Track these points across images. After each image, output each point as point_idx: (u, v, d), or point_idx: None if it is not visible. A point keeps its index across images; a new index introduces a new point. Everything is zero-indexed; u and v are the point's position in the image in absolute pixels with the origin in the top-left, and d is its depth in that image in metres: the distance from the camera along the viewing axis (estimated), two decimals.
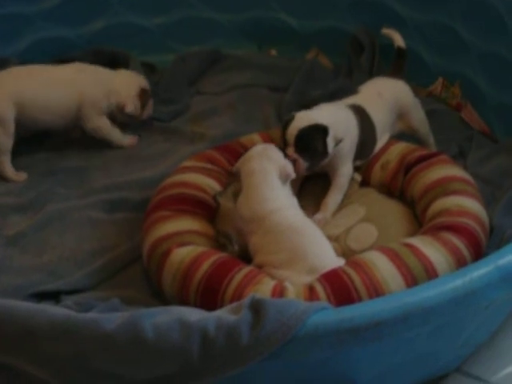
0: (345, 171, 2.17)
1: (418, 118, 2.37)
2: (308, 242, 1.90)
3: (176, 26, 3.03)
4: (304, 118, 2.08)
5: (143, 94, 2.56)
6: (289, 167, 1.99)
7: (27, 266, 2.15)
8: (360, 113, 2.22)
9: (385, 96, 2.29)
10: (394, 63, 2.42)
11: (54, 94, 2.48)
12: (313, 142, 2.06)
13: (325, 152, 2.07)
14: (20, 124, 2.46)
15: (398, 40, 2.43)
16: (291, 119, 2.09)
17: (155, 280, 2.00)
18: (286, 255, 1.88)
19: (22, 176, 2.49)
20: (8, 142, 2.46)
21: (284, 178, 1.99)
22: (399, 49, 2.42)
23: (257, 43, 3.09)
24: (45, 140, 2.62)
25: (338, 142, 2.10)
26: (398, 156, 2.22)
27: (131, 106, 2.53)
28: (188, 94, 2.83)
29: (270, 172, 1.98)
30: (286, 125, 2.10)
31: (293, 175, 2.00)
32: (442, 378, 1.82)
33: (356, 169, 2.23)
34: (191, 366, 1.50)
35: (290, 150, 2.05)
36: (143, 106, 2.57)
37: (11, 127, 2.45)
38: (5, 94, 2.44)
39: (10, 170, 2.48)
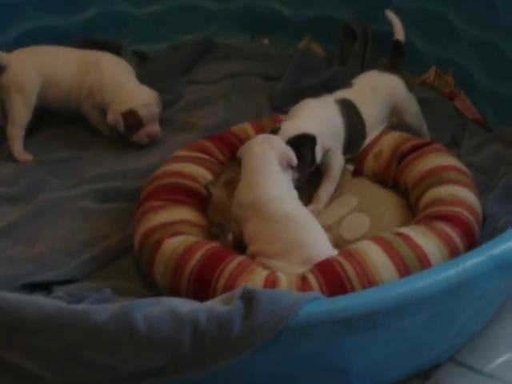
0: (336, 164, 2.16)
1: (412, 112, 2.35)
2: (304, 232, 1.89)
3: (168, 15, 3.03)
4: (291, 129, 2.06)
5: (128, 116, 2.47)
6: (290, 153, 1.98)
7: (19, 256, 2.14)
8: (348, 108, 2.20)
9: (378, 91, 2.27)
10: (392, 58, 2.39)
11: (67, 73, 2.53)
12: (302, 152, 2.04)
13: (313, 161, 2.06)
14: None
15: (399, 32, 2.39)
16: (277, 129, 2.07)
17: (147, 270, 1.99)
18: (281, 245, 1.87)
19: (26, 156, 2.50)
20: (25, 115, 2.50)
21: (285, 164, 1.98)
22: (398, 43, 2.38)
23: (249, 32, 3.08)
24: (36, 130, 2.61)
25: (325, 151, 2.09)
26: (391, 145, 2.22)
27: (110, 118, 2.48)
28: (180, 83, 2.82)
29: (269, 157, 1.98)
30: (272, 133, 2.07)
31: (295, 162, 1.99)
32: (435, 368, 1.81)
33: (348, 159, 2.22)
34: (183, 357, 1.49)
35: None
36: (129, 127, 2.49)
37: (32, 99, 2.50)
38: (32, 66, 2.50)
39: (17, 148, 2.50)
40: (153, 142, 2.52)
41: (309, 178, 2.13)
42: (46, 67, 2.52)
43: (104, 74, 2.52)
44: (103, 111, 2.53)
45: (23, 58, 2.52)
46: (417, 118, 2.37)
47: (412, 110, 2.35)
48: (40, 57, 2.54)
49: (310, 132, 2.05)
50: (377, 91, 2.27)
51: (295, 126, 2.07)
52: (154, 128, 2.51)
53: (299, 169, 2.02)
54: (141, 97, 2.50)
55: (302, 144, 2.04)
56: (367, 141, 2.24)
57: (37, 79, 2.50)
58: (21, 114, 2.49)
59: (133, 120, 2.48)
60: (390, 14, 2.42)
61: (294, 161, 1.99)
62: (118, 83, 2.51)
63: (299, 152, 2.02)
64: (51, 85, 2.52)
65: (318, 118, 2.11)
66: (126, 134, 2.50)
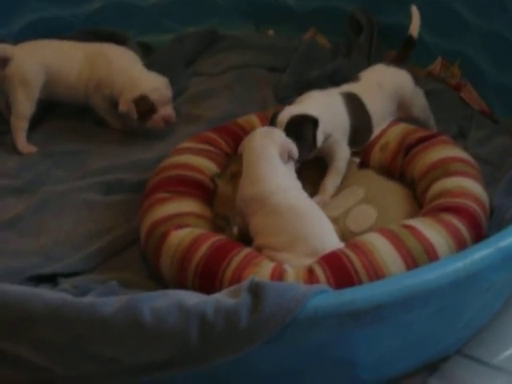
0: (342, 155, 2.15)
1: (419, 106, 2.34)
2: (310, 224, 1.89)
3: (172, 6, 3.01)
4: (293, 111, 2.06)
5: (140, 101, 2.44)
6: (291, 146, 1.98)
7: (24, 249, 2.14)
8: (353, 102, 2.19)
9: (385, 86, 2.26)
10: (401, 51, 2.39)
11: (73, 67, 2.52)
12: (303, 130, 2.03)
13: (314, 144, 2.05)
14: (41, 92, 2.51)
15: (415, 28, 2.37)
16: (280, 111, 2.07)
17: (153, 263, 1.99)
18: (287, 238, 1.87)
19: (29, 149, 2.50)
20: (28, 108, 2.49)
21: (286, 156, 1.97)
22: (410, 38, 2.37)
23: (254, 23, 3.07)
24: (40, 122, 2.61)
25: (326, 136, 2.08)
26: (398, 137, 2.20)
27: (122, 107, 2.45)
28: (185, 75, 2.81)
29: (270, 150, 1.97)
30: (274, 116, 2.08)
31: (296, 154, 1.98)
32: (442, 361, 1.81)
33: (355, 152, 2.21)
34: (190, 350, 1.49)
35: None
36: (142, 114, 2.46)
37: (35, 92, 2.50)
38: (36, 59, 2.49)
39: (21, 140, 2.50)
40: (169, 126, 2.50)
41: (315, 169, 2.13)
42: (50, 61, 2.51)
43: (112, 64, 2.51)
44: (113, 103, 2.51)
45: (27, 51, 2.51)
46: (424, 111, 2.36)
47: (419, 103, 2.34)
48: (44, 50, 2.53)
49: (313, 115, 2.05)
50: (383, 86, 2.26)
51: (298, 109, 2.07)
52: (168, 111, 2.48)
53: (299, 147, 2.01)
54: (150, 81, 2.47)
55: (303, 124, 2.04)
56: (374, 135, 2.23)
57: (40, 72, 2.49)
58: (24, 106, 2.48)
59: (145, 105, 2.45)
60: (414, 10, 2.39)
61: (295, 152, 1.98)
62: (126, 72, 2.49)
63: (300, 131, 2.03)
64: (56, 78, 2.51)
65: (321, 106, 2.11)
66: (141, 121, 2.48)
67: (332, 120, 2.11)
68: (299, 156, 2.01)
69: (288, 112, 2.06)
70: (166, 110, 2.48)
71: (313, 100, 2.14)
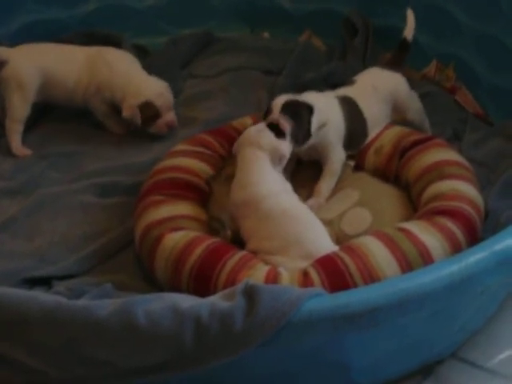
0: (337, 157, 2.15)
1: (414, 109, 2.34)
2: (303, 228, 1.89)
3: (168, 8, 3.01)
4: (290, 96, 2.07)
5: (145, 108, 2.45)
6: (282, 147, 1.97)
7: (18, 251, 2.13)
8: (349, 105, 2.20)
9: (380, 90, 2.26)
10: (395, 54, 2.38)
11: (72, 70, 2.52)
12: (299, 113, 2.03)
13: (308, 130, 2.04)
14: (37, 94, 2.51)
15: (409, 31, 2.37)
16: (276, 97, 2.09)
17: (147, 265, 1.98)
18: (280, 242, 1.87)
19: (24, 151, 2.49)
20: (23, 111, 2.49)
21: (277, 159, 1.97)
22: (405, 41, 2.37)
23: (249, 26, 3.07)
24: (36, 124, 2.60)
25: (321, 126, 2.08)
26: (393, 140, 2.21)
27: (126, 113, 2.46)
28: (180, 77, 2.81)
29: (260, 157, 1.96)
30: (269, 104, 2.08)
31: (287, 155, 1.98)
32: (437, 364, 1.81)
33: (349, 155, 2.20)
34: (184, 353, 1.49)
35: (275, 114, 2.02)
36: (147, 119, 2.47)
37: (31, 95, 2.49)
38: (32, 62, 2.49)
39: (15, 143, 2.49)
40: (171, 131, 2.51)
41: (310, 172, 2.13)
42: (47, 64, 2.50)
43: (112, 68, 2.50)
44: (113, 106, 2.52)
45: (23, 54, 2.50)
46: (419, 114, 2.36)
47: (414, 107, 2.34)
48: (41, 53, 2.52)
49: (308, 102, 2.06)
50: (378, 90, 2.26)
51: (294, 96, 2.08)
52: (172, 116, 2.50)
53: (294, 131, 2.01)
54: (153, 87, 2.48)
55: (299, 108, 2.04)
56: (369, 138, 2.23)
57: (36, 75, 2.48)
58: (19, 109, 2.48)
59: (150, 111, 2.46)
60: (409, 14, 2.39)
61: (286, 154, 1.98)
62: (128, 77, 2.50)
63: (295, 114, 2.02)
64: (54, 82, 2.50)
65: (317, 102, 2.11)
66: (144, 126, 2.48)
67: (327, 115, 2.11)
68: (294, 142, 2.01)
69: (284, 97, 2.06)
70: (170, 115, 2.49)
71: (309, 100, 2.14)
